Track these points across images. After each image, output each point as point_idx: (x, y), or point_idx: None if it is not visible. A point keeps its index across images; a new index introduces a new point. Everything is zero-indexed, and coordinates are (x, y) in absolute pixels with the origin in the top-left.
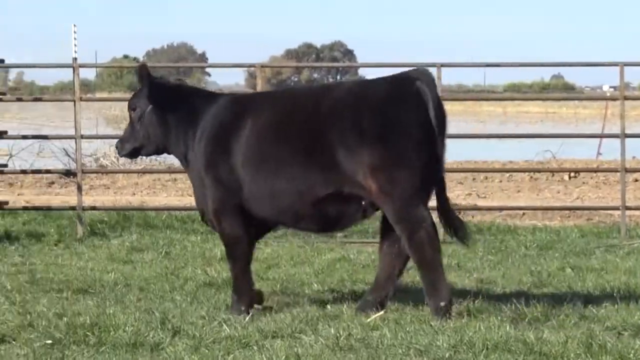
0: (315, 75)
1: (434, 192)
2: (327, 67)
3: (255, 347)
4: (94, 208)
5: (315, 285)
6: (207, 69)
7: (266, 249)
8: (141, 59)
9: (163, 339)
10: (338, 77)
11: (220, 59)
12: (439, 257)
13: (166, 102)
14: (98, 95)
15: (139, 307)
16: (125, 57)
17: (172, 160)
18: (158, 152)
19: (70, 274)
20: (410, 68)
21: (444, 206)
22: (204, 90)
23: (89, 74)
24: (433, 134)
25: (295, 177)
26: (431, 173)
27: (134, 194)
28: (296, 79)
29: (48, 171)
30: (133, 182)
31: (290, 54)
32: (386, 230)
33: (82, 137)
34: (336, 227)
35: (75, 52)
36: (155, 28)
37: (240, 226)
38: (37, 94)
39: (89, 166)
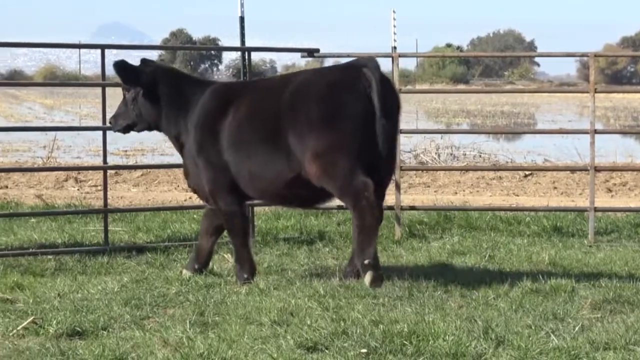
0: None
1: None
2: None
3: None
4: (412, 208)
5: None
6: (536, 59)
7: (598, 254)
8: (465, 48)
9: (486, 349)
10: None
11: (550, 48)
12: (376, 224)
13: (158, 85)
14: (418, 87)
15: (460, 315)
16: (448, 46)
17: (500, 157)
18: (150, 129)
19: (387, 277)
20: None
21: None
22: (193, 76)
23: (409, 64)
24: (375, 118)
25: (266, 163)
26: (371, 149)
27: (456, 192)
28: (632, 69)
29: None
30: (455, 180)
31: (626, 41)
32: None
33: (400, 131)
34: (315, 204)
35: (395, 40)
36: (480, 15)
37: (235, 203)
38: None
39: (407, 163)
